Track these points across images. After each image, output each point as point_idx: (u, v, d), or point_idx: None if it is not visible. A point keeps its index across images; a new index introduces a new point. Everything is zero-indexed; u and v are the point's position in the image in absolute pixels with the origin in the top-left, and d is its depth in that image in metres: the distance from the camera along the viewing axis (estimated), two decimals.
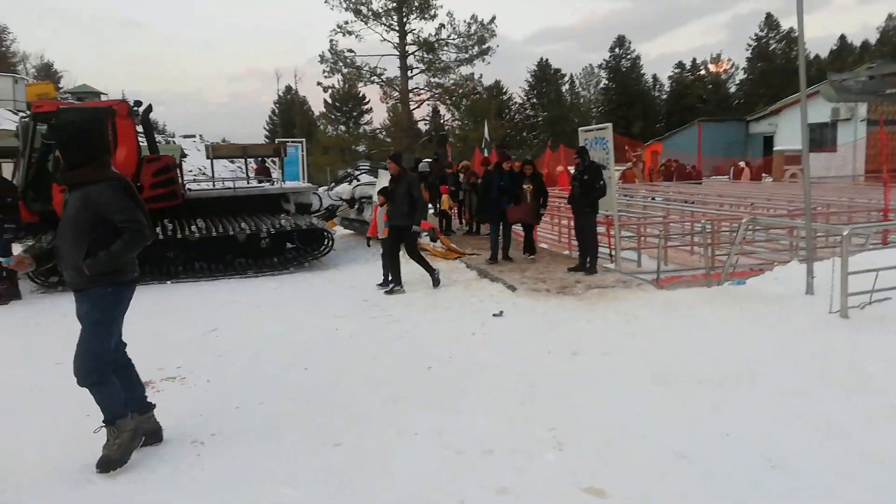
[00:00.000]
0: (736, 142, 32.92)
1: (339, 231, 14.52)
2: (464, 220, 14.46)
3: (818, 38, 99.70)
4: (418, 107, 43.19)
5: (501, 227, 9.84)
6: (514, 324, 6.60)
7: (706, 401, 4.42)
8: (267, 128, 66.98)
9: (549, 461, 3.66)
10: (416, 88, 41.72)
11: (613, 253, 9.81)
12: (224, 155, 18.86)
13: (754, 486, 3.31)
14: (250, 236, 10.89)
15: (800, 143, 23.27)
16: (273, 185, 13.69)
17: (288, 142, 19.56)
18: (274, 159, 17.10)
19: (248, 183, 13.64)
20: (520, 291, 7.91)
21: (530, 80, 68.38)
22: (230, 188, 12.33)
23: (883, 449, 3.60)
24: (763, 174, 26.11)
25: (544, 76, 68.62)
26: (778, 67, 59.70)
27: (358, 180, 15.47)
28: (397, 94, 40.58)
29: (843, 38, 62.47)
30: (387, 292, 8.56)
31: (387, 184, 9.01)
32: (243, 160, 16.15)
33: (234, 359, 5.92)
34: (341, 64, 37.28)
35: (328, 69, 37.56)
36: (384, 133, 49.13)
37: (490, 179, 9.92)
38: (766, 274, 7.85)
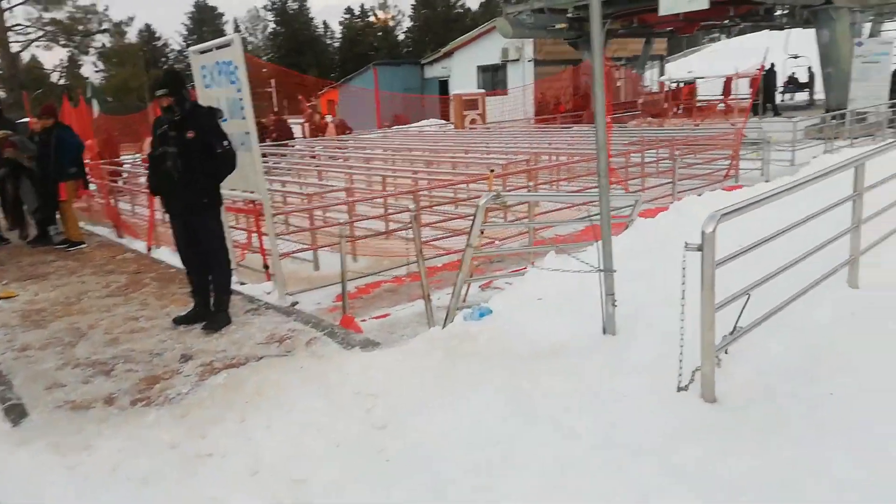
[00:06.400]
0: (413, 86, 31.04)
1: None
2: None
3: None
4: (24, 49, 33.39)
5: None
6: None
7: None
8: None
9: None
10: (18, 25, 32.06)
11: (271, 268, 5.75)
12: None
13: None
14: None
15: (474, 85, 21.41)
16: None
17: None
18: None
19: None
20: (35, 418, 3.43)
21: (188, 23, 59.86)
22: None
23: None
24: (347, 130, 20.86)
25: (203, 19, 60.47)
26: (441, 14, 60.94)
27: None
28: None
29: None
30: None
31: None
32: None
33: None
34: None
35: None
36: None
37: None
38: (515, 287, 4.66)
